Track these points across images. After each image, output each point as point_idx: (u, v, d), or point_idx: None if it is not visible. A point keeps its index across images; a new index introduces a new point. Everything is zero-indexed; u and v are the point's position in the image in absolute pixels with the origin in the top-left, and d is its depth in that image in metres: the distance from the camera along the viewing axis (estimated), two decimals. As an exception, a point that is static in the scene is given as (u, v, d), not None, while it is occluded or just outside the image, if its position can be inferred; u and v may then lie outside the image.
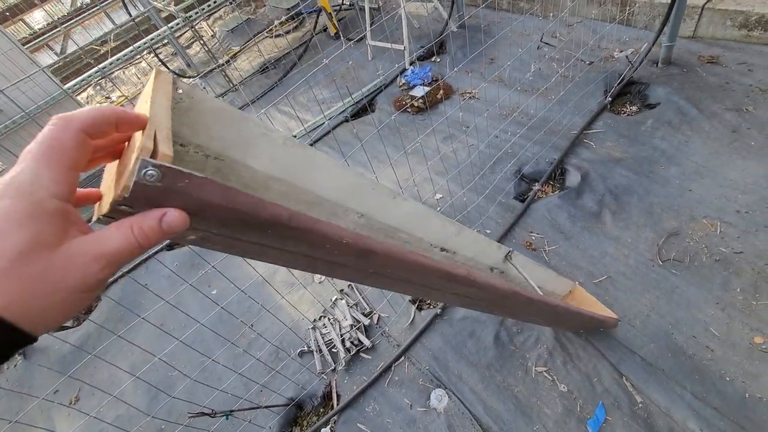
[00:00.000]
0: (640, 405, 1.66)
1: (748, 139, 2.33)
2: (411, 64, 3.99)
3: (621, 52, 3.20)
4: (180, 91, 0.53)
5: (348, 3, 5.62)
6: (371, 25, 4.39)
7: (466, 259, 1.24)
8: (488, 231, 2.43)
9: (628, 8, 3.37)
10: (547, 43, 3.53)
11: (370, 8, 4.24)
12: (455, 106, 3.43)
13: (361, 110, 3.88)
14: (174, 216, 0.40)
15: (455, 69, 3.71)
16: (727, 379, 1.63)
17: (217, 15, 7.70)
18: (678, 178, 2.29)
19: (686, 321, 1.81)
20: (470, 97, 3.46)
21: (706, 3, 2.97)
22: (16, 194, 0.35)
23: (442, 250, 1.15)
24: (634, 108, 2.83)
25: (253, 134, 0.66)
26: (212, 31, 7.39)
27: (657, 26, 2.85)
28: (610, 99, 2.85)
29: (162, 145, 0.41)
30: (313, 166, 0.78)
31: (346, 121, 3.75)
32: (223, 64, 5.36)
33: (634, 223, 2.19)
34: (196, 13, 4.78)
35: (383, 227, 0.96)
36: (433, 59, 4.04)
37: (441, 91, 3.61)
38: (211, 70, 5.72)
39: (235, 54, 6.11)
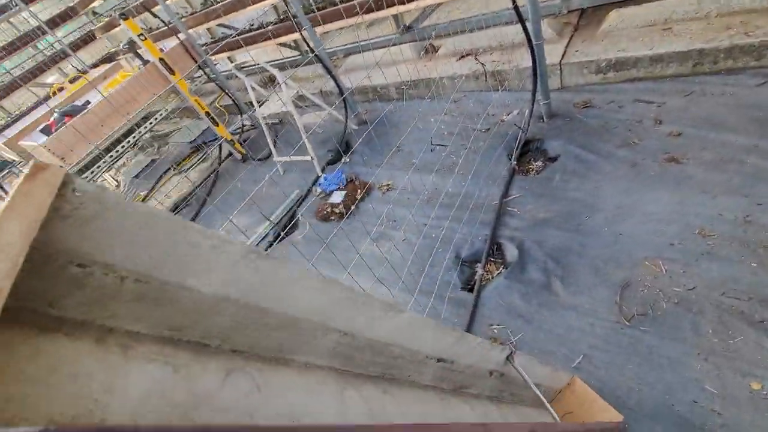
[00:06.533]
0: None
1: (647, 170, 2.45)
2: (322, 171, 3.97)
3: (509, 115, 3.42)
4: (78, 193, 0.42)
5: (250, 123, 5.70)
6: (275, 143, 4.40)
7: (465, 366, 1.17)
8: (448, 337, 2.22)
9: (500, 77, 3.68)
10: (438, 144, 3.55)
11: (270, 124, 4.27)
12: (377, 201, 3.38)
13: (286, 227, 3.70)
14: None
15: (381, 164, 3.73)
16: (748, 445, 1.45)
17: (120, 162, 7.45)
18: (606, 225, 2.30)
19: (679, 384, 1.65)
20: (387, 189, 3.45)
21: (561, 60, 3.32)
22: None
23: (439, 360, 1.08)
24: (538, 164, 2.94)
25: (196, 248, 0.54)
26: (116, 181, 7.09)
27: (530, 86, 3.09)
28: (515, 161, 2.94)
29: None
30: (286, 282, 0.67)
31: (270, 246, 3.53)
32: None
33: (585, 285, 2.11)
34: (98, 167, 4.54)
35: (371, 343, 0.88)
36: (342, 161, 4.07)
37: (358, 191, 3.57)
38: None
39: (144, 198, 5.81)
